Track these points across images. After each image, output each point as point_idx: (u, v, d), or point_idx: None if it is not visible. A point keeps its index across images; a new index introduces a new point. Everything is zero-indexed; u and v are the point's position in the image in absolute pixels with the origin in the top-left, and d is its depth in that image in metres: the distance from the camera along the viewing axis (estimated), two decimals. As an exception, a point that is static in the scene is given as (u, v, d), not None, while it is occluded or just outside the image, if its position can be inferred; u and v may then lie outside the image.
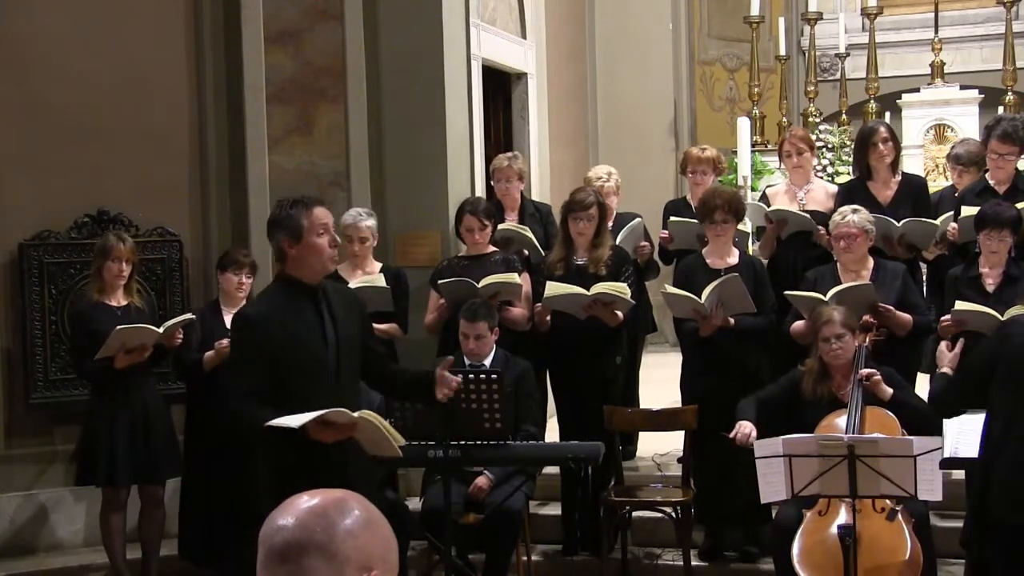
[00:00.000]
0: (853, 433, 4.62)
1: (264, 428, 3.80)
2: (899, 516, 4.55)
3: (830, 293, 5.34)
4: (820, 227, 5.97)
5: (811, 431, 4.72)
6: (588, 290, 5.67)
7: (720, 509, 5.70)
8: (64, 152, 6.44)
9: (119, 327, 5.52)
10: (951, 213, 5.98)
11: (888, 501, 4.52)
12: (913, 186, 6.22)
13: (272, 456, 3.97)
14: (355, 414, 3.85)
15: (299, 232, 3.94)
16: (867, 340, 5.11)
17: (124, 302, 5.78)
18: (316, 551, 1.63)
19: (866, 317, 5.26)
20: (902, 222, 5.87)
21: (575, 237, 5.87)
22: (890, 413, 4.86)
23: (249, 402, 3.92)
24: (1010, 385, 4.16)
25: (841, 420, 4.82)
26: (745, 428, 4.94)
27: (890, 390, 4.96)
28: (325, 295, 4.06)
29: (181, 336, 5.73)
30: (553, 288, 5.70)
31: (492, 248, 6.12)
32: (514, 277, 5.90)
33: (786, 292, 5.58)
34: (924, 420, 4.73)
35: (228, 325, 5.80)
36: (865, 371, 4.92)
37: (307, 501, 1.69)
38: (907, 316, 5.42)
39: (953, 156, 6.60)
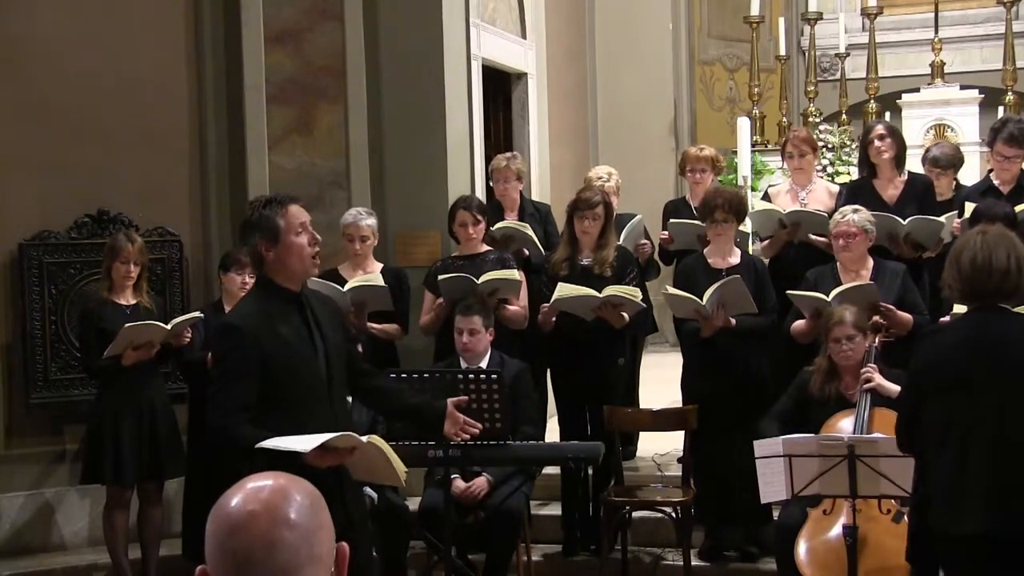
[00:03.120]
0: (860, 433, 4.61)
1: (255, 449, 3.43)
2: (905, 518, 4.54)
3: (833, 293, 5.34)
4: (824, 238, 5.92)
5: (817, 430, 4.74)
6: (592, 290, 5.65)
7: (720, 509, 5.69)
8: (64, 152, 6.43)
9: (127, 325, 5.57)
10: (955, 212, 5.98)
11: (894, 503, 4.52)
12: (918, 186, 6.21)
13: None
14: (363, 439, 3.56)
15: (276, 233, 3.64)
16: (876, 341, 5.11)
17: (133, 301, 5.82)
18: (309, 567, 1.66)
19: (875, 317, 5.25)
20: (908, 220, 5.86)
21: (580, 236, 5.84)
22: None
23: (237, 418, 3.57)
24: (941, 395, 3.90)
25: (847, 421, 4.82)
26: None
27: (896, 387, 4.93)
28: (308, 302, 3.77)
29: (190, 335, 5.76)
30: (564, 289, 5.64)
31: (486, 247, 6.11)
32: (513, 273, 5.88)
33: (788, 292, 5.57)
34: None
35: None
36: (864, 371, 4.90)
37: (263, 524, 1.63)
38: (908, 316, 5.42)
39: (931, 159, 6.60)
